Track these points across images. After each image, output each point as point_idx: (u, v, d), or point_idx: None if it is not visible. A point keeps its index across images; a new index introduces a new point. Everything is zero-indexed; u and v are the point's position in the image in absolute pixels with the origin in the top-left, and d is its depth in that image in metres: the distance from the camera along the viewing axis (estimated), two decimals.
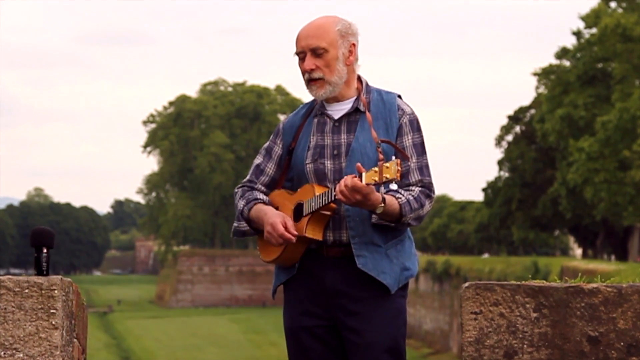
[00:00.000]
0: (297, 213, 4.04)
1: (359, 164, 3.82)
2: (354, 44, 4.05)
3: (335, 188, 3.87)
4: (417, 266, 4.12)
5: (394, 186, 3.86)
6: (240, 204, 4.17)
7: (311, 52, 4.00)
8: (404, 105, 4.10)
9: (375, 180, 3.75)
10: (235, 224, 4.21)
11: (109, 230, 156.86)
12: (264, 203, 4.13)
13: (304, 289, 4.07)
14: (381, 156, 3.81)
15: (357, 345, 3.98)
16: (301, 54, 4.03)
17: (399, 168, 3.70)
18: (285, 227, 3.97)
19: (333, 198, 3.89)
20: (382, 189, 3.84)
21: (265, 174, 4.20)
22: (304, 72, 4.03)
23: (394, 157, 3.76)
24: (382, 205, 3.84)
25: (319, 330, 4.04)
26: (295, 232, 3.97)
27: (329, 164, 4.03)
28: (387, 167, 3.72)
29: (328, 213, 3.98)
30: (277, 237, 3.97)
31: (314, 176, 4.04)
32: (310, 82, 4.02)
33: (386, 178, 3.72)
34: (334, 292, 4.00)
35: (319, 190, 3.98)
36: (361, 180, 3.77)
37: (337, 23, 4.04)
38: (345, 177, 3.81)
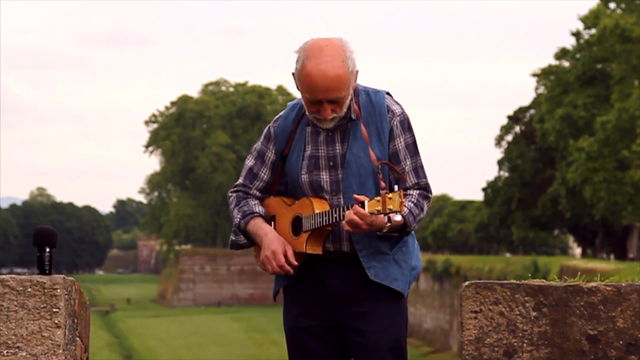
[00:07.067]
0: (295, 225, 4.00)
1: (356, 195, 3.77)
2: (357, 71, 3.92)
3: (336, 210, 3.84)
4: (421, 259, 4.11)
5: (397, 217, 3.79)
6: (237, 216, 4.09)
7: (329, 102, 3.87)
8: (393, 105, 4.00)
9: (378, 210, 3.70)
10: (232, 237, 4.12)
11: (111, 229, 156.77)
12: (261, 216, 4.06)
13: (304, 290, 4.04)
14: (383, 184, 3.77)
15: (360, 345, 3.97)
16: (315, 100, 3.87)
17: (402, 200, 3.66)
18: (286, 258, 3.93)
19: (334, 221, 3.85)
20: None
21: (259, 179, 4.12)
22: (316, 112, 3.90)
23: (396, 187, 3.71)
24: (388, 224, 3.81)
25: (319, 331, 4.02)
26: (296, 263, 3.93)
27: (325, 175, 3.97)
28: (390, 199, 3.67)
29: (328, 229, 3.95)
30: (277, 267, 3.93)
31: (310, 188, 3.97)
32: (323, 120, 3.91)
33: (389, 209, 3.68)
34: (335, 293, 3.98)
35: (317, 205, 3.92)
36: (363, 208, 3.72)
37: (346, 60, 3.84)
38: (352, 209, 3.74)
